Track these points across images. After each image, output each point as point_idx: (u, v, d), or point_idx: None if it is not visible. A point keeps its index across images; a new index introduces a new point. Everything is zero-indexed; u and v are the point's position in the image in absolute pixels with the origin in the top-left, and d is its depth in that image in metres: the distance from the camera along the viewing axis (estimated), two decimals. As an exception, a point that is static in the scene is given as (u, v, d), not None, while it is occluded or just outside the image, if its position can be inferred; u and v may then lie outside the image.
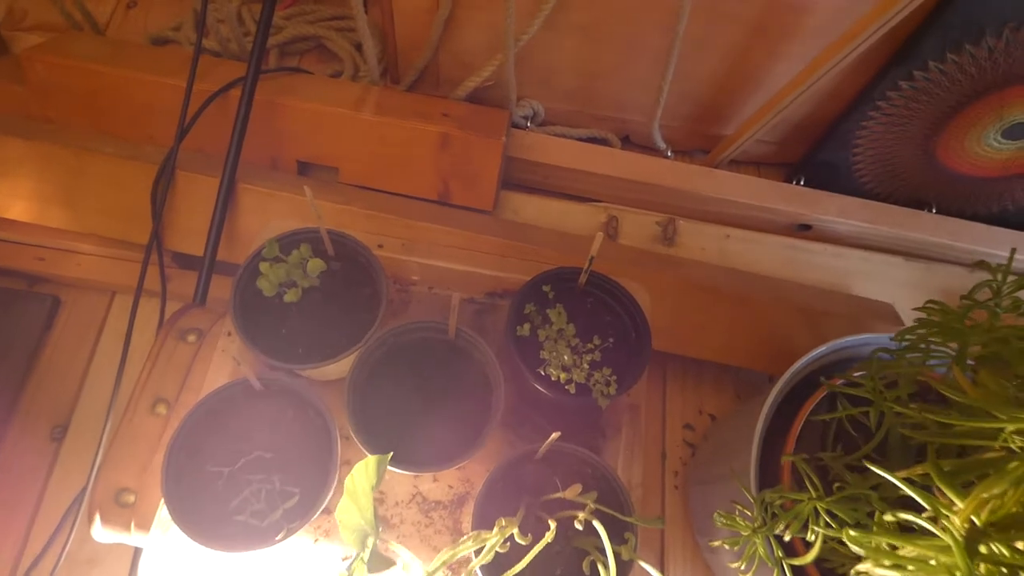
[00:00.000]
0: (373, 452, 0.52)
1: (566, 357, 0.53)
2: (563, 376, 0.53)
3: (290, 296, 0.55)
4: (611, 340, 0.57)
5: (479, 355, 0.58)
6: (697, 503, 0.83)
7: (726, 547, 0.51)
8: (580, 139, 1.03)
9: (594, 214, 0.94)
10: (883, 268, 0.96)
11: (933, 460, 0.37)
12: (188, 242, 0.81)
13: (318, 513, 0.52)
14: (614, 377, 0.55)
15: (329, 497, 0.52)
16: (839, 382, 0.61)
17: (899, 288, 0.95)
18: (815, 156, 1.00)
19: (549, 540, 0.43)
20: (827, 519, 0.45)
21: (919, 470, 0.39)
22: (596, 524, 0.43)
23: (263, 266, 0.55)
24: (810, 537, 0.45)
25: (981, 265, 0.53)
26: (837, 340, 0.68)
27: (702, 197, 0.94)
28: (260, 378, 0.54)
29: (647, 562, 0.48)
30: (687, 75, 0.91)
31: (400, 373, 0.58)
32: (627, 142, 1.05)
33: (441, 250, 0.70)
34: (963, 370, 0.44)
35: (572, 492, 0.46)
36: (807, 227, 0.97)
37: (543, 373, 0.54)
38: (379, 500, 0.62)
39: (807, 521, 0.46)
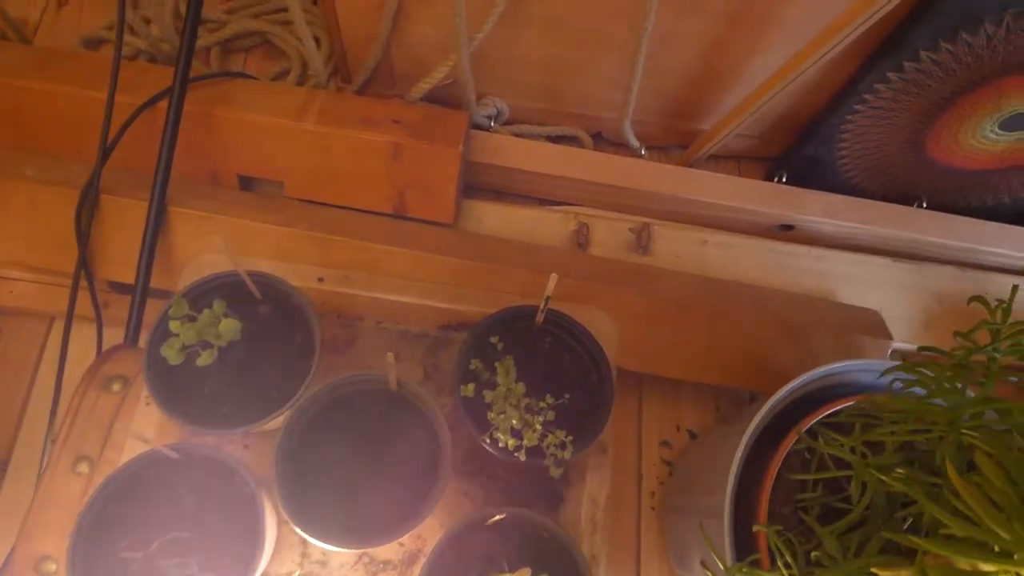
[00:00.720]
0: (304, 527, 0.47)
1: (515, 421, 0.48)
2: (511, 442, 0.48)
3: (203, 360, 0.49)
4: (566, 397, 0.52)
5: (425, 408, 0.53)
6: (673, 530, 0.79)
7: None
8: (548, 137, 0.96)
9: (563, 222, 0.88)
10: (870, 271, 0.91)
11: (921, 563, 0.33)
12: (121, 270, 0.74)
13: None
14: (570, 438, 0.49)
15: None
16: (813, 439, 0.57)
17: (888, 291, 0.90)
18: (799, 151, 0.93)
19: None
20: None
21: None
22: None
23: (173, 325, 0.49)
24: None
25: (978, 300, 0.48)
26: (814, 371, 0.63)
27: (677, 199, 0.88)
28: (178, 447, 0.49)
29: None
30: (659, 70, 0.84)
31: (337, 431, 0.53)
32: (599, 139, 0.99)
33: (388, 281, 0.64)
34: (955, 463, 0.39)
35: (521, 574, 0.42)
36: (789, 227, 0.91)
37: (489, 439, 0.49)
38: (322, 563, 0.57)
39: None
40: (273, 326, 0.55)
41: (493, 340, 0.53)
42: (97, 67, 0.79)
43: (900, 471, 0.43)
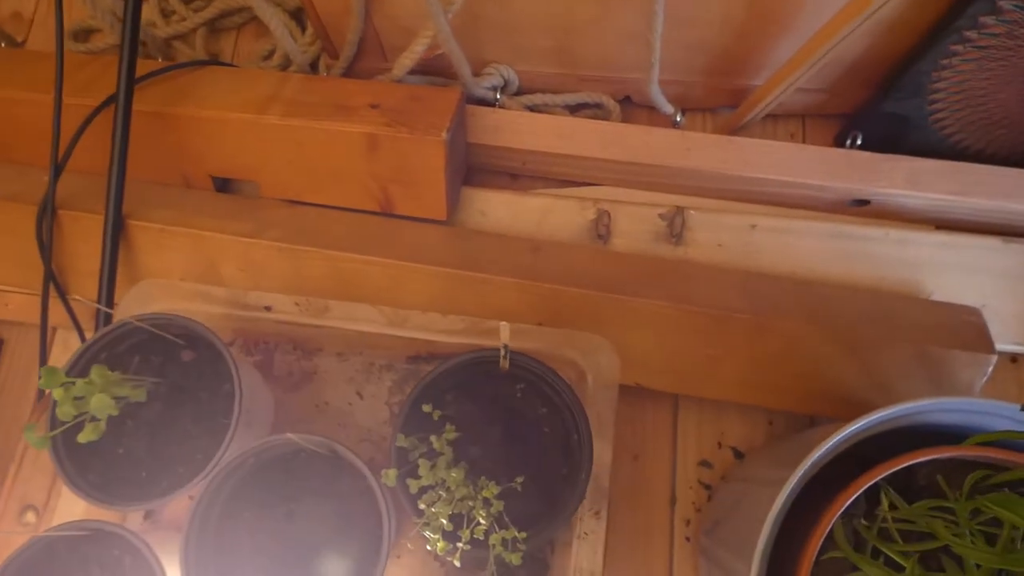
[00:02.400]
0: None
1: (444, 521, 0.38)
2: (441, 546, 0.38)
3: (84, 435, 0.42)
4: (519, 481, 0.41)
5: (365, 471, 0.44)
6: (709, 561, 0.68)
7: None
8: (568, 106, 0.83)
9: (580, 210, 0.75)
10: (970, 255, 0.72)
11: None
12: (91, 287, 0.69)
13: None
14: (522, 535, 0.39)
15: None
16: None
17: (993, 281, 0.72)
18: (878, 106, 0.75)
19: None
20: None
21: None
22: None
23: (56, 393, 0.42)
24: None
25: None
26: (867, 418, 0.49)
27: (719, 176, 0.73)
28: (82, 524, 0.43)
29: None
30: (692, 21, 0.68)
31: (264, 498, 0.45)
32: (628, 104, 0.84)
33: (348, 308, 0.55)
34: None
35: None
36: (863, 202, 0.74)
37: (419, 535, 0.39)
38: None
39: None
40: (198, 375, 0.48)
41: (426, 409, 0.42)
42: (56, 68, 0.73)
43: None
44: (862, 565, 0.40)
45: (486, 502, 0.38)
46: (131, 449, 0.46)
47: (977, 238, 0.73)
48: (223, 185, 0.75)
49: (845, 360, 0.62)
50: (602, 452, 0.48)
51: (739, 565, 0.53)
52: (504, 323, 0.39)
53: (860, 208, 0.75)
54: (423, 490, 0.40)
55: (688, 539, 0.73)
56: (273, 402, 0.54)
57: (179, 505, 0.48)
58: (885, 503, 0.48)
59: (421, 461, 0.40)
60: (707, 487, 0.75)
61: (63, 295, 0.68)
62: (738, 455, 0.75)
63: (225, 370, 0.47)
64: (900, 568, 0.44)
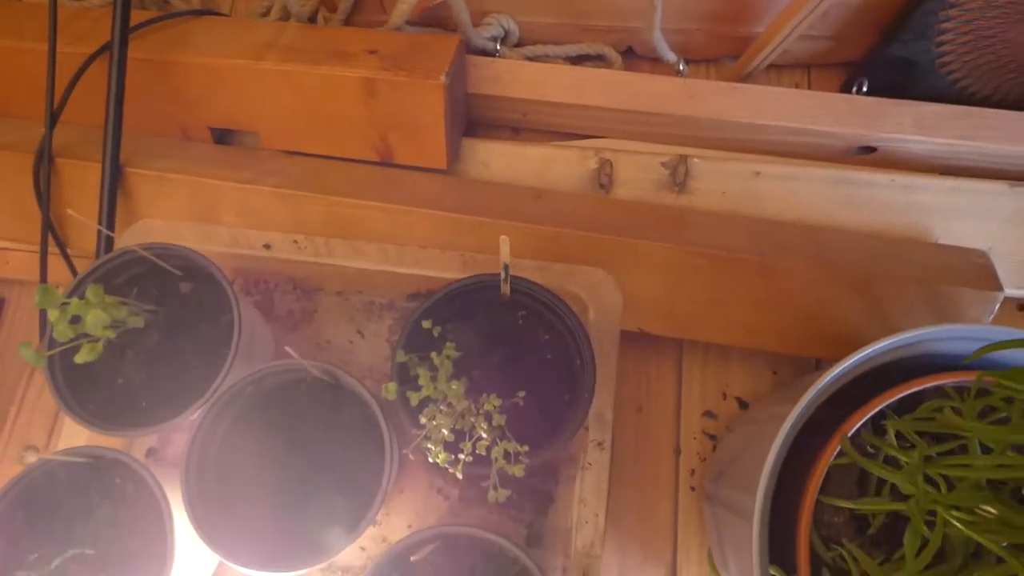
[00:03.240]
0: (221, 552, 0.40)
1: (445, 432, 0.37)
2: (443, 457, 0.38)
3: (81, 356, 0.41)
4: (522, 396, 0.41)
5: (368, 397, 0.44)
6: (713, 519, 0.68)
7: None
8: (569, 57, 0.82)
9: (582, 160, 0.74)
10: (977, 200, 0.71)
11: None
12: (90, 239, 0.69)
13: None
14: (524, 448, 0.38)
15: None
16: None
17: (1001, 226, 0.71)
18: (884, 51, 0.74)
19: None
20: None
21: None
22: None
23: (52, 314, 0.41)
24: None
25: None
26: (877, 345, 0.48)
27: (722, 123, 0.72)
28: (81, 451, 0.42)
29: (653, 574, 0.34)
30: (693, -40, 0.67)
31: (268, 428, 0.45)
32: (630, 55, 0.83)
33: (348, 246, 0.54)
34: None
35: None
36: (870, 149, 0.73)
37: (420, 448, 0.39)
38: (277, 569, 0.50)
39: None
40: (199, 304, 0.47)
41: (426, 325, 0.42)
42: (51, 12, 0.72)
43: (989, 510, 0.29)
44: (872, 468, 0.40)
45: (488, 416, 0.38)
46: (130, 379, 0.45)
47: (984, 183, 0.71)
48: (222, 137, 0.74)
49: (851, 300, 0.62)
50: (605, 384, 0.47)
51: (747, 499, 0.53)
52: (504, 237, 0.38)
53: (866, 156, 0.74)
54: (423, 403, 0.39)
55: (693, 489, 0.73)
56: (273, 340, 0.54)
57: (181, 443, 0.47)
58: (892, 431, 0.48)
59: (421, 372, 0.39)
60: (712, 437, 0.74)
61: (62, 246, 0.68)
62: (743, 405, 0.74)
63: (224, 301, 0.47)
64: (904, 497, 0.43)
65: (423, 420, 0.38)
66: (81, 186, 0.66)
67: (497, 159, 0.75)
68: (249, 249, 0.53)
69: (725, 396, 0.75)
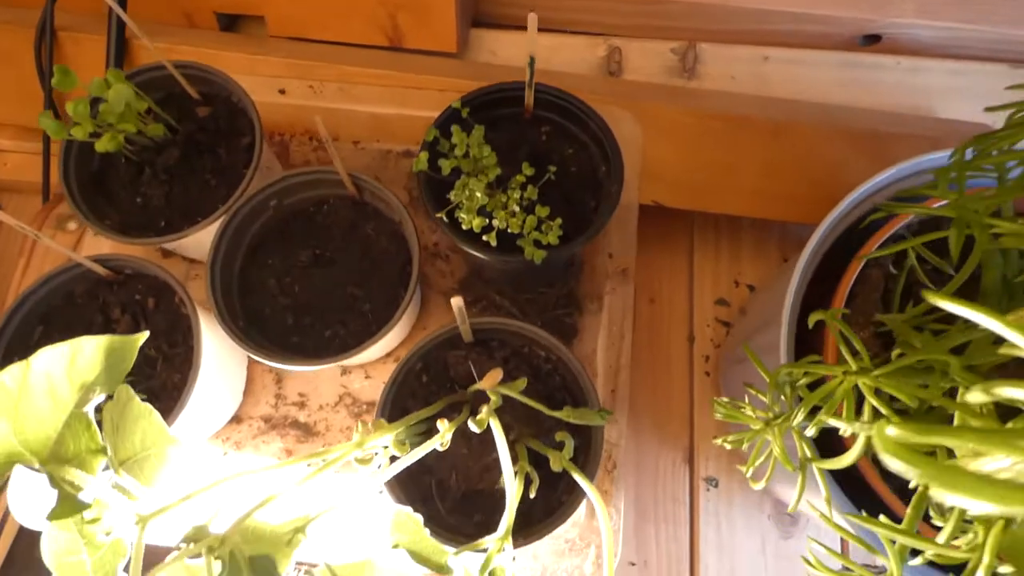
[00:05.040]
0: (251, 348, 0.39)
1: (479, 194, 0.37)
2: (477, 223, 0.37)
3: (102, 144, 0.40)
4: (553, 174, 0.40)
5: (389, 211, 0.43)
6: (732, 388, 0.68)
7: (727, 445, 0.36)
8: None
9: (591, 47, 0.74)
10: (980, 81, 0.72)
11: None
12: (94, 123, 0.67)
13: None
14: (556, 221, 0.38)
15: (192, 405, 0.40)
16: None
17: (1002, 104, 0.71)
18: (886, -61, 0.75)
19: (442, 441, 0.29)
20: (877, 403, 0.29)
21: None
22: (495, 425, 0.29)
23: (68, 106, 0.40)
24: (844, 431, 0.29)
25: None
26: (909, 161, 0.49)
27: (730, 11, 0.72)
28: (106, 259, 0.41)
29: (675, 459, 0.34)
30: None
31: (290, 244, 0.44)
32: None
33: (364, 91, 0.54)
34: None
35: (491, 379, 0.32)
36: (875, 39, 0.74)
37: (447, 218, 0.38)
38: (300, 404, 0.49)
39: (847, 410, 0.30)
40: (217, 128, 0.46)
41: (461, 111, 0.41)
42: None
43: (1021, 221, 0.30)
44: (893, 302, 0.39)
45: (521, 187, 0.37)
46: (149, 199, 0.44)
47: (986, 65, 0.73)
48: (228, 24, 0.73)
49: (861, 162, 0.62)
50: (627, 211, 0.47)
51: (767, 335, 0.53)
52: (532, 14, 0.38)
53: (871, 46, 0.75)
54: (455, 175, 0.39)
55: (708, 374, 0.73)
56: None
57: (203, 283, 0.46)
58: (912, 256, 0.48)
59: (455, 128, 0.39)
60: (725, 324, 0.74)
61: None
62: (753, 290, 0.75)
63: (244, 124, 0.46)
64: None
65: (453, 195, 0.37)
66: (83, 62, 0.65)
67: (505, 48, 0.75)
68: (263, 96, 0.53)
69: (737, 284, 0.75)
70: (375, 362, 0.49)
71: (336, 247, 0.44)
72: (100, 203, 0.44)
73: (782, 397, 0.35)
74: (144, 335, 0.26)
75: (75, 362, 0.23)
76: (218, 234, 0.42)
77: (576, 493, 0.33)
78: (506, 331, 0.39)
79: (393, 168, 0.53)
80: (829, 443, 0.41)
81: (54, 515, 0.21)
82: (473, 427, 0.30)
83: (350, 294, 0.43)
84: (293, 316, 0.43)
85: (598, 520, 0.36)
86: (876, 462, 0.43)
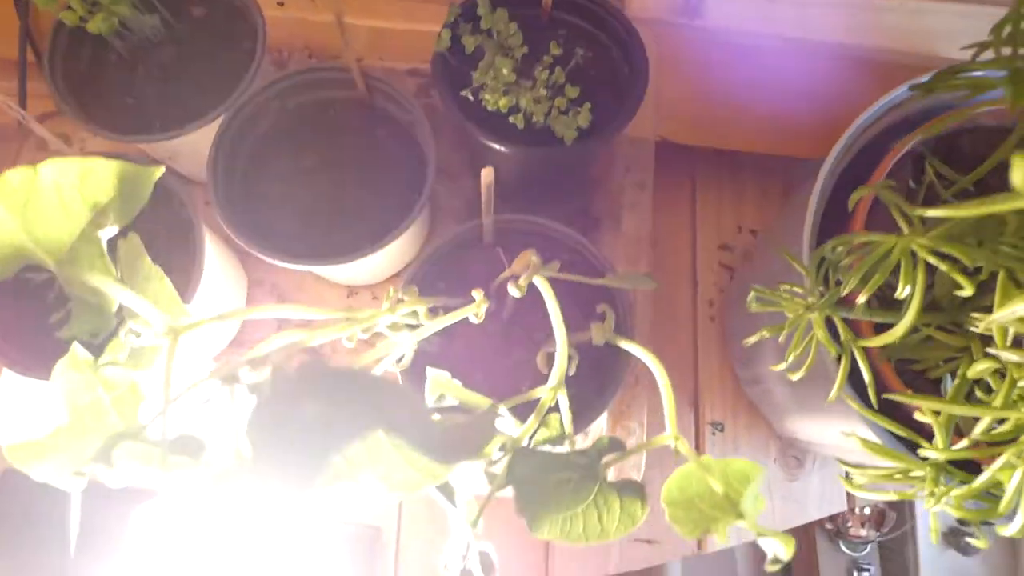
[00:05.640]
0: (256, 246, 0.37)
1: (505, 71, 0.35)
2: (504, 102, 0.35)
3: (93, 24, 0.38)
4: (584, 55, 0.38)
5: (401, 113, 0.41)
6: (737, 329, 0.67)
7: (766, 334, 0.34)
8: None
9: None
10: (986, 25, 0.72)
11: None
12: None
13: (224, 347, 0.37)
14: (586, 106, 0.36)
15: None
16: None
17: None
18: None
19: (476, 311, 0.27)
20: (936, 261, 0.27)
21: None
22: (540, 282, 0.27)
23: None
24: (901, 292, 0.27)
25: None
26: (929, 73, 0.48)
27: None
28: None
29: (680, 404, 0.33)
30: None
31: (295, 149, 0.42)
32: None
33: (365, 5, 0.51)
34: None
35: (524, 260, 0.30)
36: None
37: (472, 97, 0.36)
38: (304, 327, 0.47)
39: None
40: (215, 31, 0.44)
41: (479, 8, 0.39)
42: None
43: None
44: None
45: (550, 68, 0.36)
46: (143, 99, 0.42)
47: (992, 8, 0.72)
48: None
49: (871, 90, 0.61)
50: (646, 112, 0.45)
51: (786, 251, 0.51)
52: None
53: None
54: (478, 54, 0.37)
55: (712, 319, 0.72)
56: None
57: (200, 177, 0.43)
58: (931, 171, 0.47)
59: (490, 17, 0.36)
60: (729, 269, 0.73)
61: (39, 54, 0.63)
62: (756, 235, 0.74)
63: (243, 29, 0.43)
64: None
65: (477, 77, 0.35)
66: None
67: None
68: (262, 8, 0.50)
69: (740, 229, 0.74)
70: (383, 283, 0.47)
71: (344, 152, 0.42)
72: (90, 102, 0.41)
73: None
74: (161, 169, 0.23)
75: (86, 179, 0.20)
76: (218, 135, 0.39)
77: (618, 372, 0.31)
78: (529, 231, 0.37)
79: (400, 85, 0.51)
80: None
81: (71, 331, 0.19)
82: (514, 292, 0.28)
83: (358, 201, 0.41)
84: (298, 223, 0.41)
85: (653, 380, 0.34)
86: (900, 373, 0.42)
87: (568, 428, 0.25)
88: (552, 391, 0.25)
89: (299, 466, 0.15)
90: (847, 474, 0.38)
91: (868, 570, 1.49)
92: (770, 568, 0.23)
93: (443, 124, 0.47)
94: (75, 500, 0.61)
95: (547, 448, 0.24)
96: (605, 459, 0.24)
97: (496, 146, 0.36)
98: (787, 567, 1.61)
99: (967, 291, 0.26)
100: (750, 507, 0.25)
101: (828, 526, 1.49)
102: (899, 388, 0.40)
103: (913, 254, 0.28)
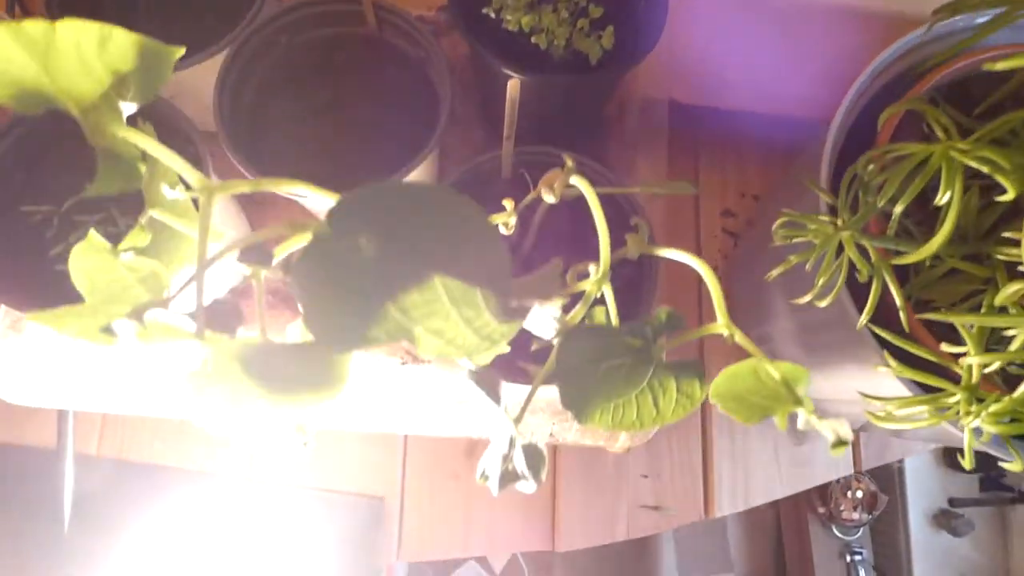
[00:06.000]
0: (263, 173, 0.36)
1: None
2: (526, 20, 0.34)
3: None
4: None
5: (414, 49, 0.40)
6: (741, 293, 0.66)
7: (793, 260, 0.33)
8: None
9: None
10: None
11: None
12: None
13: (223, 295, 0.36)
14: (610, 29, 0.35)
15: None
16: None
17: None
18: None
19: (506, 221, 0.26)
20: (978, 164, 0.27)
21: None
22: (579, 181, 0.26)
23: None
24: (940, 199, 0.27)
25: None
26: (944, 22, 0.47)
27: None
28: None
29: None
30: None
31: (303, 86, 0.40)
32: None
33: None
34: None
35: (552, 176, 0.29)
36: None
37: (495, 13, 0.35)
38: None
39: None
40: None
41: None
42: None
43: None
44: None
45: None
46: (144, 33, 0.40)
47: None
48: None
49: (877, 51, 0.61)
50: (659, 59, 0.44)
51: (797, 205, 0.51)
52: None
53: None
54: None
55: (715, 284, 0.71)
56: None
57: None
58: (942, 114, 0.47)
59: None
60: (732, 235, 0.73)
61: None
62: (759, 201, 0.73)
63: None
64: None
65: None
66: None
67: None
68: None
69: (744, 195, 0.74)
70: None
71: (354, 91, 0.41)
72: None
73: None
74: (181, 50, 0.22)
75: (106, 45, 0.19)
76: (223, 68, 0.38)
77: (651, 286, 0.31)
78: (550, 163, 0.36)
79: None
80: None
81: (96, 189, 0.17)
82: (548, 198, 0.27)
83: (368, 140, 0.40)
84: (307, 160, 0.39)
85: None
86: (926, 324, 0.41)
87: (615, 321, 0.25)
88: (596, 283, 0.24)
89: (352, 316, 0.14)
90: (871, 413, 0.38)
91: (860, 553, 1.50)
92: (833, 453, 0.23)
93: (453, 69, 0.45)
94: (68, 472, 0.59)
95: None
96: (660, 340, 0.24)
97: (515, 75, 0.35)
98: (779, 552, 1.61)
99: (1009, 194, 0.25)
100: (806, 399, 0.25)
101: (821, 510, 1.49)
102: (919, 326, 0.40)
103: (951, 162, 0.27)
